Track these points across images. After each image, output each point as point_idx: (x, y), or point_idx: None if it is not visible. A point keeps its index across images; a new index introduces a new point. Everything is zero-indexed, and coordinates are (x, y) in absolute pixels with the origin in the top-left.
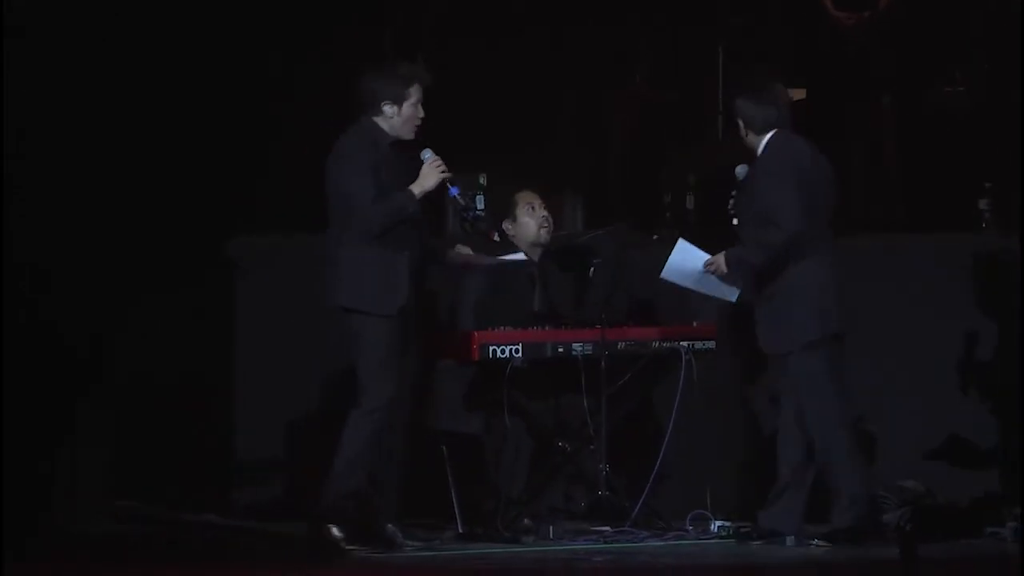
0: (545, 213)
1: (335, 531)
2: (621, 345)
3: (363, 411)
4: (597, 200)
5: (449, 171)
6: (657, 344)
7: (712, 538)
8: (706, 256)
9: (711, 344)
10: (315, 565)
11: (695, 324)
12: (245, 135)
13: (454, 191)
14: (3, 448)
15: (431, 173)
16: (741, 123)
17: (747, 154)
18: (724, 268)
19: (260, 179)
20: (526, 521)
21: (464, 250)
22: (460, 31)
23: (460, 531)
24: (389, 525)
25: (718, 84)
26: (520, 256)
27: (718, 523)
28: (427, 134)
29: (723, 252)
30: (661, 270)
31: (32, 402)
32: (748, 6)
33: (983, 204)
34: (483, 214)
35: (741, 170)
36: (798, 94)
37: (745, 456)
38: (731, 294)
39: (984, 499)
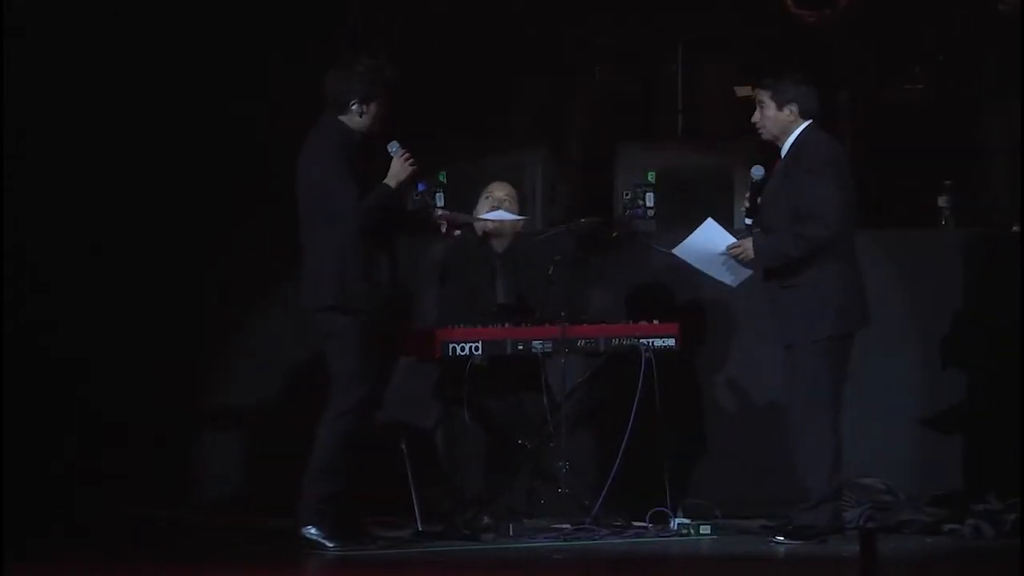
0: (505, 200)
1: (312, 531)
2: (581, 343)
3: (339, 412)
4: (556, 196)
5: (416, 164)
6: (617, 341)
7: (672, 535)
8: (732, 239)
9: (671, 341)
10: (291, 564)
11: (655, 322)
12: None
13: (422, 187)
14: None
15: (403, 167)
16: (786, 106)
17: (707, 150)
18: (751, 254)
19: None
20: (486, 519)
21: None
22: (419, 27)
23: (419, 529)
24: (355, 524)
25: (677, 79)
26: (501, 215)
27: (678, 520)
28: (385, 131)
29: (749, 238)
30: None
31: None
32: (707, 2)
33: (942, 201)
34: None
35: (757, 171)
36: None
37: (706, 452)
38: (737, 279)
39: (944, 497)
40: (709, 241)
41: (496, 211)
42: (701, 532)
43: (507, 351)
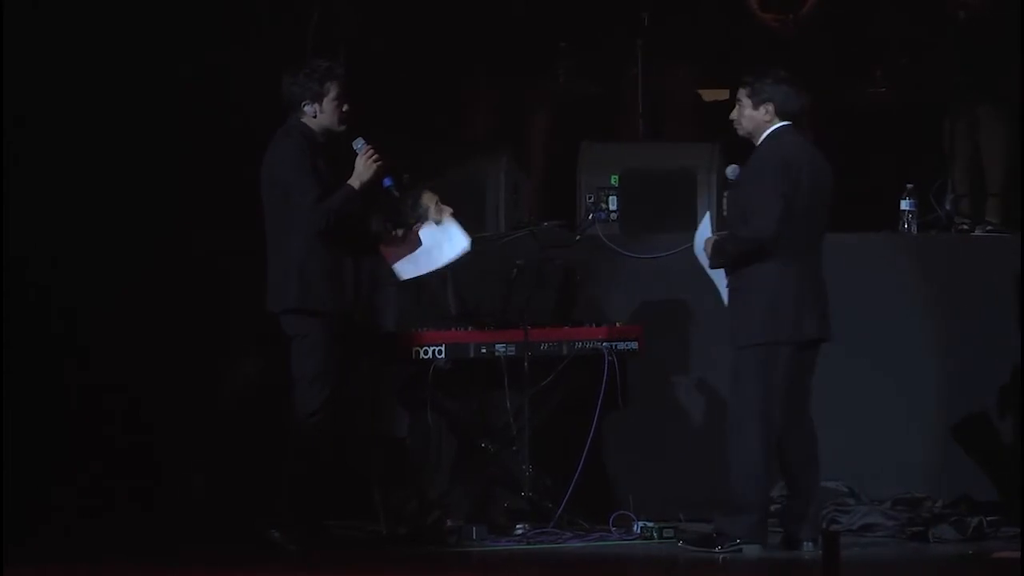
0: (450, 209)
1: (276, 534)
2: (544, 346)
3: (304, 414)
4: (518, 199)
5: (383, 160)
6: (580, 345)
7: (635, 539)
8: (709, 233)
9: (634, 344)
10: (254, 566)
11: (617, 325)
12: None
13: (388, 182)
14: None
15: (367, 165)
16: (762, 105)
17: (670, 152)
18: (708, 250)
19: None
20: (449, 522)
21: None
22: (380, 31)
23: (383, 532)
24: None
25: (638, 81)
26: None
27: (641, 523)
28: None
29: (712, 238)
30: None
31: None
32: (668, 3)
33: (905, 204)
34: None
35: (732, 171)
36: (721, 94)
37: (669, 456)
38: (724, 293)
39: (907, 500)
40: (700, 238)
41: (431, 225)
42: (664, 535)
43: (470, 354)
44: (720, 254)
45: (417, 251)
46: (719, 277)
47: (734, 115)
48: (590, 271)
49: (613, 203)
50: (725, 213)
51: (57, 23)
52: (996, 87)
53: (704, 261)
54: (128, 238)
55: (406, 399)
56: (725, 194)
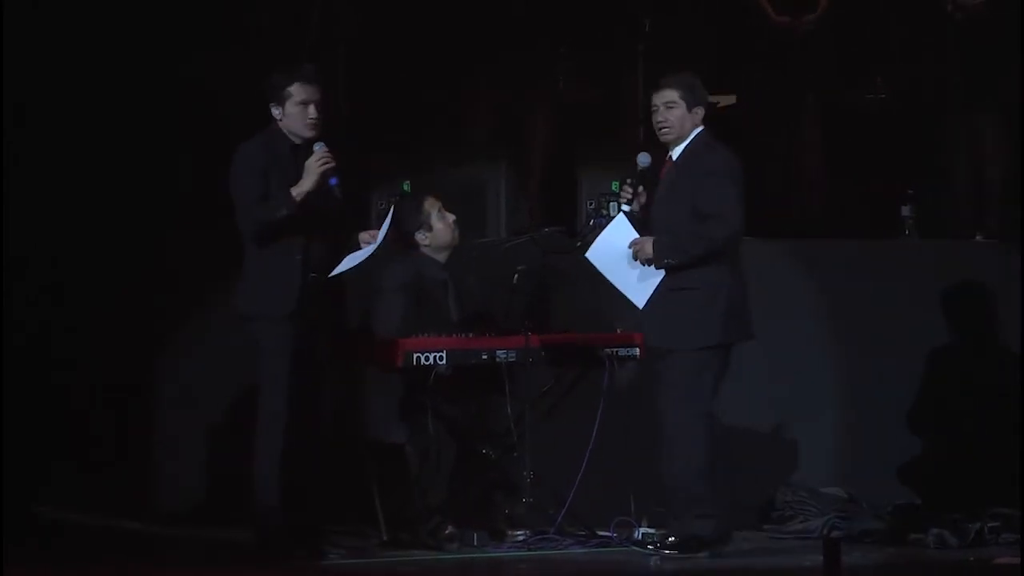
0: (453, 216)
1: (259, 540)
2: (545, 352)
3: (264, 419)
4: (519, 205)
5: (335, 163)
6: (581, 351)
7: (636, 544)
8: (636, 236)
9: (635, 351)
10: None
11: (619, 331)
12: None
13: (333, 181)
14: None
15: (311, 169)
16: (695, 108)
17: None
18: (649, 252)
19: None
20: (450, 528)
21: (368, 236)
22: (381, 36)
23: (384, 539)
24: (317, 535)
25: (639, 87)
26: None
27: (642, 529)
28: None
29: (649, 237)
30: (587, 263)
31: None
32: (667, 8)
33: (905, 210)
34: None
35: (644, 159)
36: (727, 99)
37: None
38: (642, 296)
39: (907, 507)
40: (616, 240)
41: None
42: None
43: (471, 360)
44: (677, 253)
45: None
46: (632, 278)
47: (662, 118)
48: (591, 277)
49: (613, 209)
50: (628, 207)
51: (57, 23)
52: (995, 91)
53: (613, 270)
54: (128, 239)
55: (406, 405)
56: (628, 180)
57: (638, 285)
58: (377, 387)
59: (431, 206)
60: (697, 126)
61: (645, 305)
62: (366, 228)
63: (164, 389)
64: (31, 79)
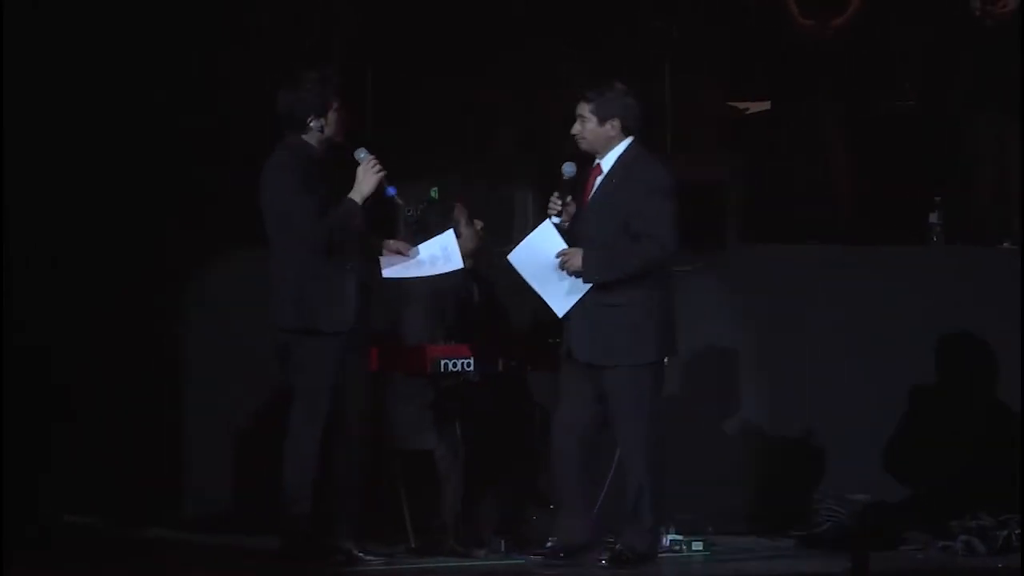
0: (481, 223)
1: (287, 547)
2: None
3: (302, 430)
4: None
5: (386, 170)
6: None
7: (664, 551)
8: (564, 246)
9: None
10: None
11: None
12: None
13: (391, 191)
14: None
15: (367, 176)
16: (608, 121)
17: (695, 161)
18: (579, 264)
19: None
20: (482, 535)
21: (396, 245)
22: (406, 37)
23: (412, 545)
24: (346, 542)
25: (665, 93)
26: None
27: (670, 536)
28: (369, 142)
29: (578, 249)
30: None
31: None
32: (690, 14)
33: (933, 217)
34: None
35: (569, 168)
36: (759, 105)
37: (697, 468)
38: (564, 305)
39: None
40: (542, 246)
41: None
42: (693, 548)
43: (499, 368)
44: (610, 270)
45: (410, 260)
46: (558, 288)
47: (576, 129)
48: None
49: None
50: (557, 219)
51: (57, 23)
52: (1020, 97)
53: (536, 277)
54: (127, 240)
55: (435, 412)
56: (555, 195)
57: (563, 296)
58: (404, 394)
59: (459, 213)
60: (618, 138)
61: (572, 319)
62: (392, 234)
63: (188, 395)
64: (31, 79)
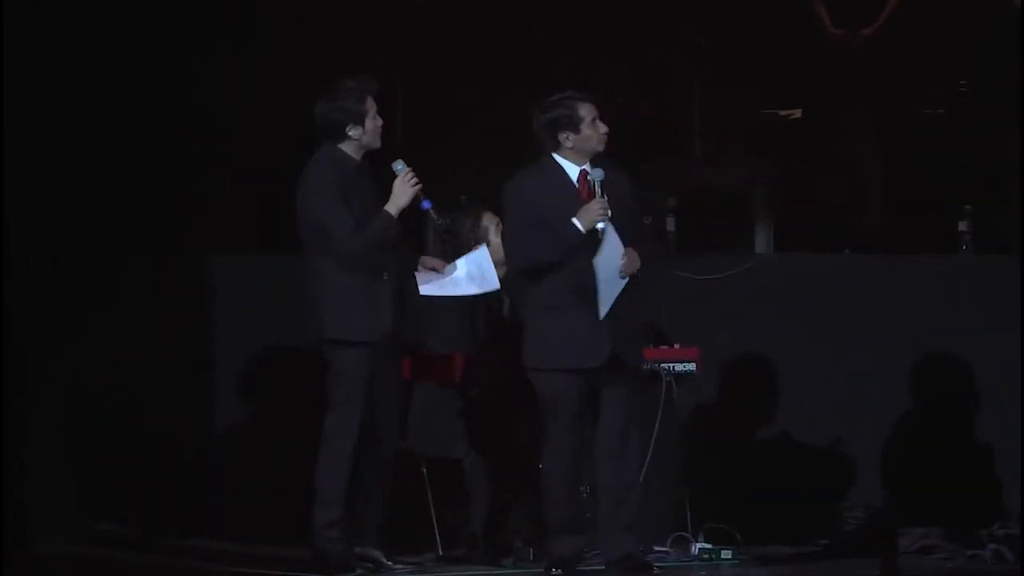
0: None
1: (317, 556)
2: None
3: (336, 438)
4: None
5: (422, 183)
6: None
7: (693, 560)
8: (623, 248)
9: (692, 366)
10: None
11: (676, 346)
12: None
13: (427, 204)
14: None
15: (404, 189)
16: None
17: (725, 169)
18: (638, 264)
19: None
20: (513, 543)
21: (432, 262)
22: (431, 41)
23: (440, 553)
24: (375, 550)
25: (696, 99)
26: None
27: (699, 545)
28: (398, 153)
29: (631, 249)
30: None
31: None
32: (724, 25)
33: (963, 226)
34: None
35: (597, 173)
36: (791, 113)
37: (727, 477)
38: (607, 308)
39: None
40: (612, 250)
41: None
42: (722, 557)
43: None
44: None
45: (446, 276)
46: (615, 289)
47: (604, 130)
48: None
49: (670, 224)
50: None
51: (56, 23)
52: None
53: (610, 272)
54: (127, 240)
55: (464, 420)
56: (602, 199)
57: (612, 299)
58: (434, 402)
59: (489, 221)
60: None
61: (618, 322)
62: (422, 244)
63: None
64: (31, 79)
